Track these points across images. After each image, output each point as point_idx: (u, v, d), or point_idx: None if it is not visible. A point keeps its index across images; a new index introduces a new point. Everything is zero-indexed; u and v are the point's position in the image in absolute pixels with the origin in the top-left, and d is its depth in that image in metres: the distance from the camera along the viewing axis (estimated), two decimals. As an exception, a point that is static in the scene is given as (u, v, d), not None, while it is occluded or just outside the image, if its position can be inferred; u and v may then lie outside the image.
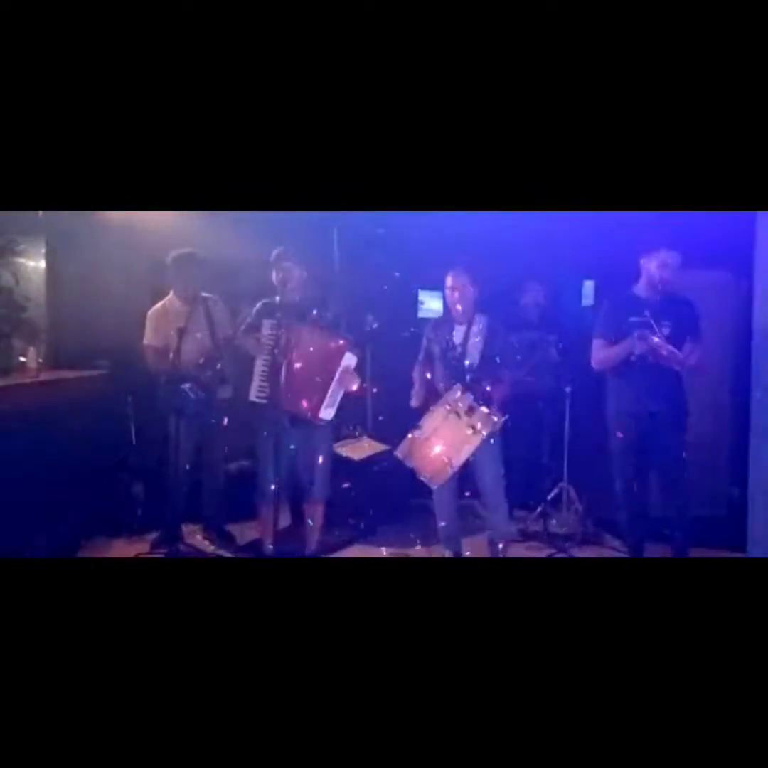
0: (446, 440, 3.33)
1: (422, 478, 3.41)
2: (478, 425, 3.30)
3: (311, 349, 3.34)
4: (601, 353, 3.55)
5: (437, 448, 3.33)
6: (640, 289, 3.51)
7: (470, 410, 3.31)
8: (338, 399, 3.41)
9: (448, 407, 3.34)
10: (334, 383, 3.34)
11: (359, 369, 3.55)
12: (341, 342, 3.38)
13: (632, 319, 3.37)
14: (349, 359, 3.37)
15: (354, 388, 3.42)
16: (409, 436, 3.41)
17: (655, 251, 3.40)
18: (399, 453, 3.45)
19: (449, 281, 3.54)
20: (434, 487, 3.45)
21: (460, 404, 3.33)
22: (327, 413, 3.39)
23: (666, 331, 3.30)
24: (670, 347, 3.24)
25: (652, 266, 3.42)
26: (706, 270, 3.88)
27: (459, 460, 3.32)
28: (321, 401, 3.33)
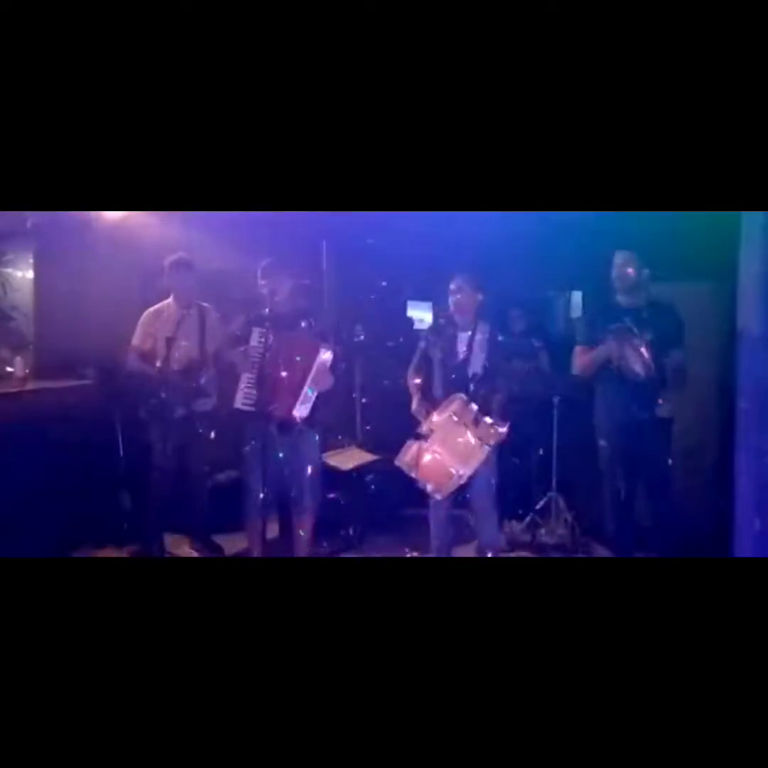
0: (454, 451, 3.24)
1: (427, 489, 3.33)
2: (485, 436, 3.25)
3: (289, 352, 3.39)
4: (580, 359, 3.59)
5: (444, 460, 3.24)
6: (620, 297, 3.54)
7: (476, 421, 3.27)
8: (313, 397, 3.42)
9: (454, 418, 3.26)
10: (308, 380, 3.37)
11: (345, 384, 3.55)
12: (316, 340, 3.41)
13: (612, 326, 3.39)
14: (324, 354, 3.39)
15: (328, 386, 3.43)
16: (414, 446, 3.31)
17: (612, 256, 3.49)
18: (401, 463, 3.35)
19: (454, 286, 3.51)
20: (439, 497, 3.37)
21: (466, 415, 3.27)
22: (301, 410, 3.40)
23: (648, 337, 3.31)
24: (644, 354, 3.27)
25: (614, 272, 3.49)
26: (689, 278, 3.91)
27: (467, 471, 3.24)
28: (295, 399, 3.36)
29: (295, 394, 3.38)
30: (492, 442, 3.27)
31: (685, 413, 3.48)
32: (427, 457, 3.26)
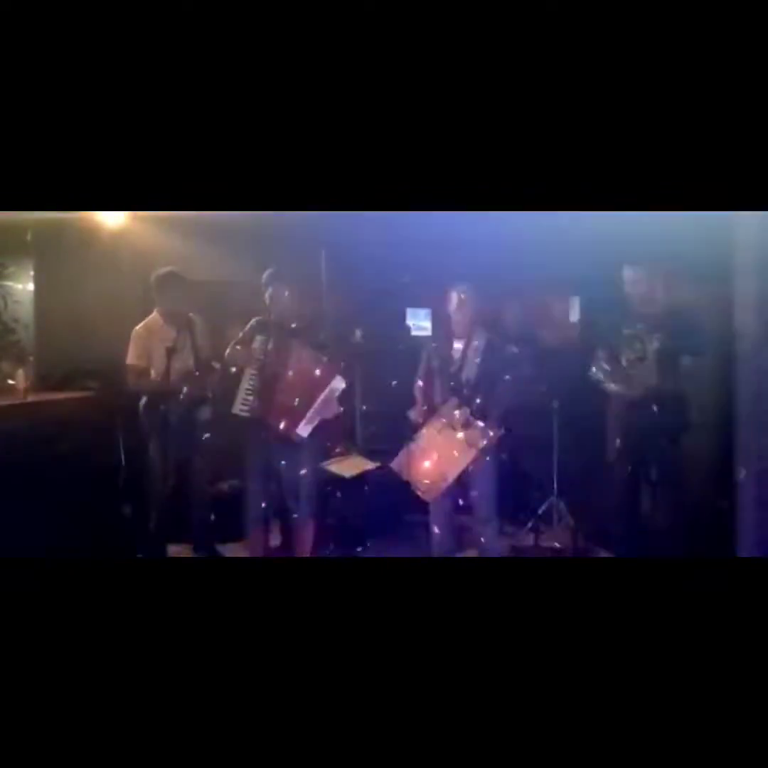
0: (441, 453, 3.37)
1: (417, 492, 3.45)
2: (474, 439, 3.35)
3: (302, 367, 3.38)
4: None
5: (432, 462, 3.38)
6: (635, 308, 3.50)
7: (466, 424, 3.36)
8: (318, 419, 3.44)
9: (443, 421, 3.39)
10: (318, 403, 3.37)
11: (346, 391, 3.56)
12: (331, 365, 3.42)
13: (626, 331, 3.41)
14: (338, 383, 3.40)
15: (332, 414, 3.46)
16: (405, 449, 3.45)
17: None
18: (394, 466, 3.49)
19: (452, 296, 3.56)
20: (428, 499, 3.47)
21: (456, 418, 3.38)
22: (305, 429, 3.42)
23: (656, 344, 3.30)
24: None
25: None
26: (686, 282, 3.92)
27: (453, 473, 3.36)
28: (301, 418, 3.36)
29: (301, 413, 3.37)
30: (481, 445, 3.35)
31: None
32: (415, 459, 3.41)
